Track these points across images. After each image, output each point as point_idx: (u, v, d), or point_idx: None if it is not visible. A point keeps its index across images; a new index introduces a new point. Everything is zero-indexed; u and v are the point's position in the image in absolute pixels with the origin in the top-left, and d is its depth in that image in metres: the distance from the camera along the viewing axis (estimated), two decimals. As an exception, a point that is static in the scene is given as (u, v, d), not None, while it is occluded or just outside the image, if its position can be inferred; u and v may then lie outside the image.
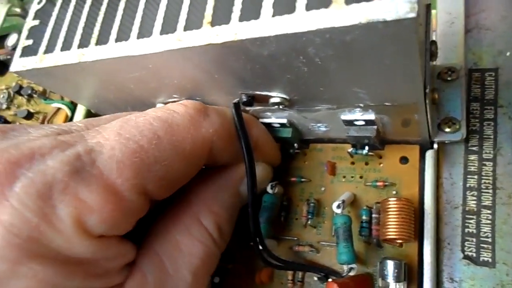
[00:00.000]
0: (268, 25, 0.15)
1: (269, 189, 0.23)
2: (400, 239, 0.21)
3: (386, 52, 0.15)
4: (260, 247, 0.21)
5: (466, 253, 0.23)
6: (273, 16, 0.15)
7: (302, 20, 0.14)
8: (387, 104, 0.19)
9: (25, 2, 0.34)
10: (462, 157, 0.24)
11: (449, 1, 0.26)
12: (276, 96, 0.20)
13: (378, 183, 0.23)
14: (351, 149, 0.24)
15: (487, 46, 0.26)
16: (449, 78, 0.24)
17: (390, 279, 0.20)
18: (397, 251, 0.22)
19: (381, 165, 0.24)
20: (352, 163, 0.24)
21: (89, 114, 0.32)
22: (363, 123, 0.21)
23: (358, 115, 0.21)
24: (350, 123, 0.21)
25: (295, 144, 0.25)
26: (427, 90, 0.17)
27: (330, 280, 0.20)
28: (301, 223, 0.24)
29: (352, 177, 0.24)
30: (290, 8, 0.15)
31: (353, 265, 0.20)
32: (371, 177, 0.24)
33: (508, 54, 0.25)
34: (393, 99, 0.18)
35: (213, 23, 0.17)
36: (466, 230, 0.23)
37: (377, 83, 0.17)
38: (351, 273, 0.20)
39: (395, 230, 0.21)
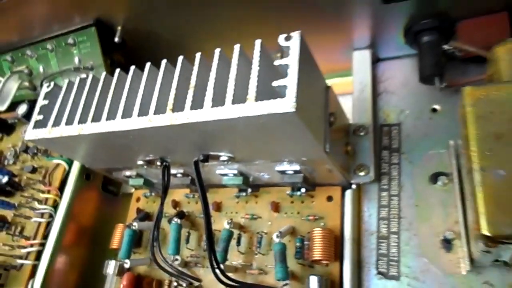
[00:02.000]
0: (209, 113, 0.22)
1: (225, 225, 0.30)
2: (323, 259, 0.27)
3: (288, 130, 0.22)
4: (218, 271, 0.27)
5: (379, 270, 0.29)
6: (211, 107, 0.22)
7: (229, 111, 0.22)
8: (303, 159, 0.26)
9: (32, 78, 0.41)
10: (376, 194, 0.31)
11: (361, 72, 0.34)
12: (224, 155, 0.27)
13: (310, 217, 0.30)
14: (289, 191, 0.31)
15: (393, 106, 0.34)
16: (361, 134, 0.31)
17: (314, 290, 0.26)
18: (324, 270, 0.28)
19: (313, 203, 0.31)
20: (292, 202, 0.31)
21: (83, 168, 0.38)
22: (292, 172, 0.28)
23: (287, 167, 0.28)
24: (283, 172, 0.28)
25: (249, 189, 0.32)
26: (327, 149, 0.25)
27: (270, 293, 0.27)
28: (253, 252, 0.31)
29: (291, 213, 0.31)
30: (222, 102, 0.22)
31: (287, 281, 0.27)
32: (305, 212, 0.31)
33: (407, 112, 0.33)
34: (305, 156, 0.26)
35: (173, 110, 0.24)
36: (380, 251, 0.30)
37: (290, 147, 0.24)
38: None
39: (319, 253, 0.27)
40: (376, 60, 0.36)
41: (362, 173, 0.30)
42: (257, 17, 0.33)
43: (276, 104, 0.20)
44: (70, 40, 0.36)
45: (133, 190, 0.39)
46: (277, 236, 0.28)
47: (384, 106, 0.34)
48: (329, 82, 0.35)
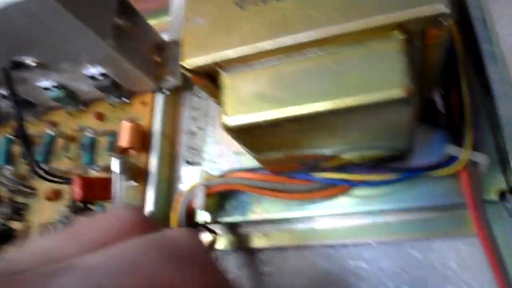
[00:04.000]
0: (-15, 5, 0.25)
1: (47, 131, 0.33)
2: (128, 146, 0.31)
3: (53, 16, 0.25)
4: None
5: (187, 160, 0.33)
6: (-12, -1, 0.25)
7: (0, 0, 0.25)
8: (99, 57, 0.30)
9: None
10: (190, 99, 0.35)
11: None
12: (29, 59, 0.30)
13: (126, 119, 0.34)
14: (109, 100, 0.34)
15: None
16: (172, 48, 0.35)
17: (115, 170, 0.30)
18: (136, 159, 0.32)
19: (132, 109, 0.34)
20: (114, 111, 0.35)
21: None
22: (101, 77, 0.32)
23: (93, 70, 0.31)
24: (93, 78, 0.32)
25: (80, 106, 0.36)
26: (111, 43, 0.28)
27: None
28: (80, 156, 0.34)
29: (113, 120, 0.35)
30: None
31: (95, 168, 0.30)
32: (124, 116, 0.34)
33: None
34: (97, 53, 0.29)
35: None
36: (188, 145, 0.34)
37: (77, 41, 0.28)
38: (95, 174, 0.30)
39: (125, 141, 0.31)
40: (198, -9, 0.40)
41: (171, 79, 0.34)
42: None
43: (30, -14, 0.24)
44: None
45: None
46: (88, 132, 0.31)
47: (202, 28, 0.38)
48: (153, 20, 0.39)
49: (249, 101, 0.21)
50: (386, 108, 0.19)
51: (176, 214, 0.28)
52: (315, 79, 0.20)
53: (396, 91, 0.18)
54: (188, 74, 0.22)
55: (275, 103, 0.20)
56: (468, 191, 0.24)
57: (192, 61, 0.21)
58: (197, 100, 0.35)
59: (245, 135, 0.22)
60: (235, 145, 0.32)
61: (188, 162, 0.33)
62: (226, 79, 0.22)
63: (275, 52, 0.20)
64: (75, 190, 0.29)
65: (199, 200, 0.27)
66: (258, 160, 0.26)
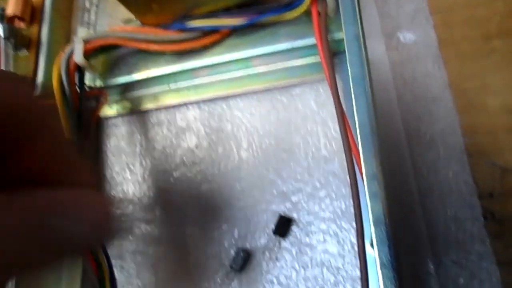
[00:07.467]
0: None
1: None
2: (17, 16, 0.32)
3: None
4: None
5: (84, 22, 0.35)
6: None
7: None
8: None
9: None
10: (86, -20, 0.36)
11: None
12: None
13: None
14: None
15: None
16: None
17: (1, 35, 0.31)
18: (27, 31, 0.33)
19: (25, -13, 0.35)
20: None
21: None
22: None
23: None
24: None
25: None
26: None
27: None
28: (-25, 34, 0.35)
29: (8, -2, 0.35)
30: None
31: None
32: (17, -6, 0.35)
33: None
34: None
35: None
36: (83, 21, 0.35)
37: None
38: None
39: (12, 9, 0.32)
40: None
41: (63, -44, 0.35)
42: None
43: None
44: None
45: None
46: (-24, 2, 0.32)
47: None
48: None
49: None
50: None
51: (57, 70, 0.29)
52: None
53: None
54: None
55: None
56: (316, 26, 0.26)
57: None
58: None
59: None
60: (124, 15, 0.34)
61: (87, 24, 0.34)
62: None
63: None
64: (-40, 52, 0.30)
65: (77, 53, 0.29)
66: (136, 14, 0.28)
